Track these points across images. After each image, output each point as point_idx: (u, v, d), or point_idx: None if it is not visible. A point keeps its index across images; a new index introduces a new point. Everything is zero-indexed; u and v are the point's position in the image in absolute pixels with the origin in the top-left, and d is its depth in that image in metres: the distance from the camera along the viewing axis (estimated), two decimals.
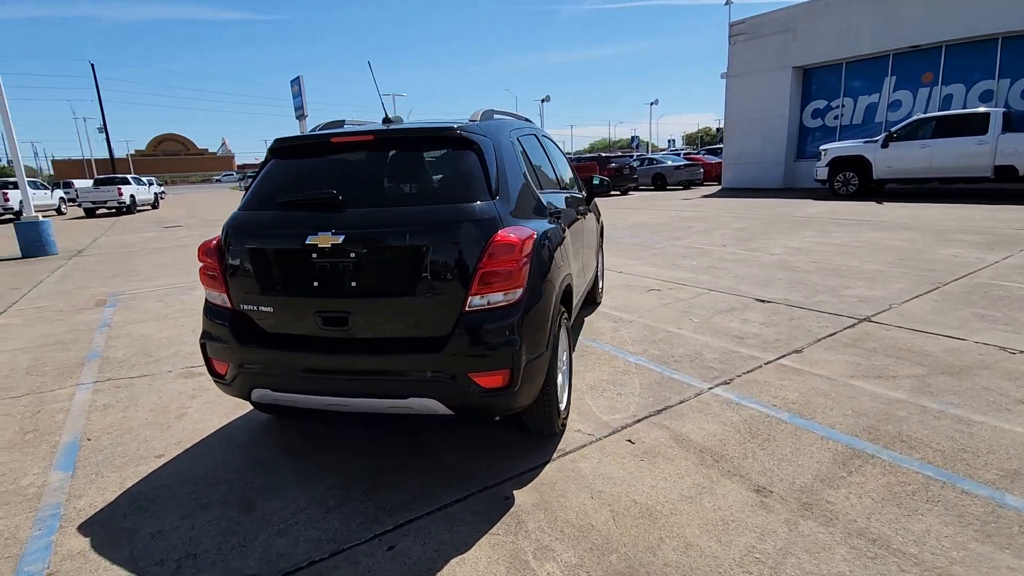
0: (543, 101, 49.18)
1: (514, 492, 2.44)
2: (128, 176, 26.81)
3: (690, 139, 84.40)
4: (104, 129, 49.41)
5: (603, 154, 28.07)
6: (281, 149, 2.74)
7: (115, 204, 24.37)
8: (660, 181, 23.21)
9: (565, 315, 2.92)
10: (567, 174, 4.24)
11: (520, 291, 2.36)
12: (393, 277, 2.36)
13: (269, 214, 2.53)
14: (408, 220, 2.35)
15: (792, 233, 8.99)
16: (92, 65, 40.53)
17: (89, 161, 59.16)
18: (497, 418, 2.54)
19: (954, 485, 2.32)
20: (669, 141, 72.86)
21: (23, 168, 12.12)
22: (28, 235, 11.57)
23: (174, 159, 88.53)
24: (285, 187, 2.59)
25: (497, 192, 2.50)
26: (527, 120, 3.91)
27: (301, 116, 16.24)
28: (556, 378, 2.74)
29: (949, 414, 2.90)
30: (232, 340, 2.49)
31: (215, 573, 2.03)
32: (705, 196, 18.04)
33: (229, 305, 2.55)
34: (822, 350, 3.90)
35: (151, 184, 28.70)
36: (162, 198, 33.27)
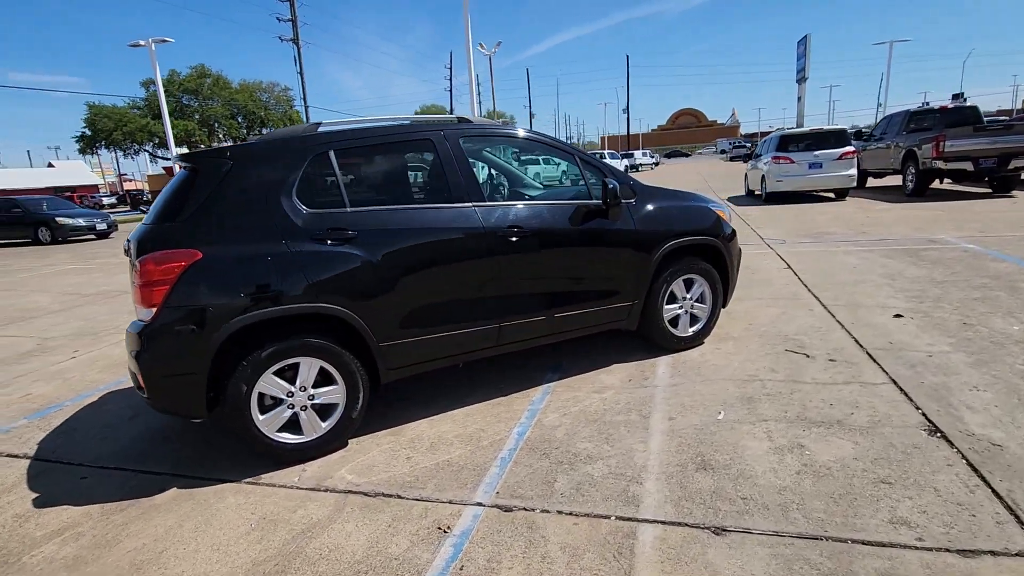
0: None
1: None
2: (605, 152, 32.08)
3: None
4: (626, 110, 58.89)
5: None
6: None
7: None
8: None
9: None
10: (467, 185, 3.25)
11: (153, 311, 2.58)
12: None
13: None
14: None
15: None
16: (627, 57, 49.10)
17: (614, 137, 72.51)
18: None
19: None
20: None
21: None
22: None
23: (687, 131, 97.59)
24: None
25: (191, 215, 2.69)
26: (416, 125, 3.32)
27: (802, 79, 15.53)
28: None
29: None
30: None
31: None
32: None
33: None
34: None
35: (623, 159, 33.32)
36: (650, 168, 39.74)
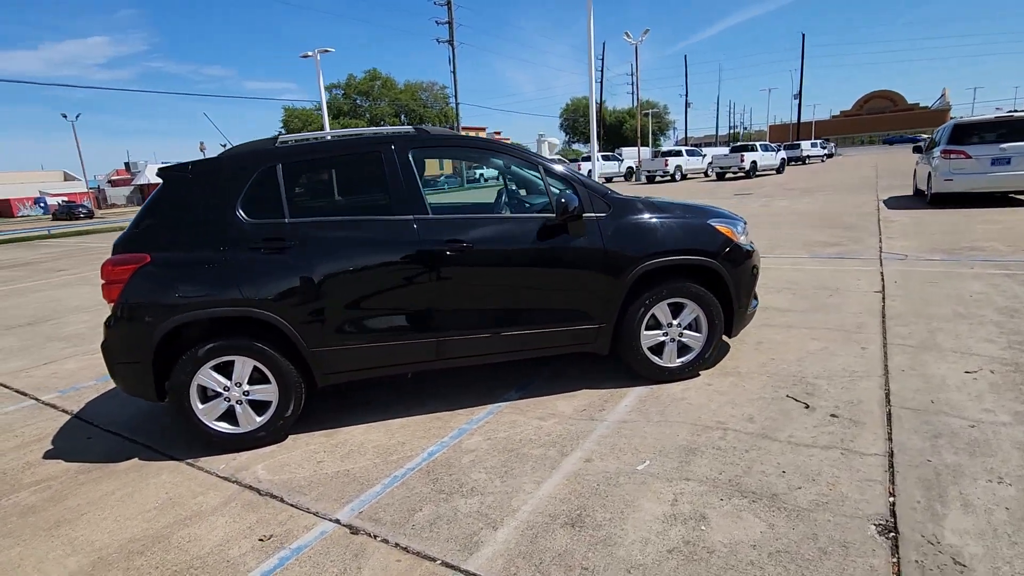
0: None
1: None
2: (757, 144, 29.18)
3: None
4: (798, 96, 53.70)
5: None
6: None
7: (738, 168, 27.50)
8: None
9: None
10: (406, 197, 3.23)
11: (111, 306, 2.99)
12: None
13: None
14: None
15: None
16: (803, 36, 44.70)
17: (783, 125, 65.36)
18: None
19: None
20: None
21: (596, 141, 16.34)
22: None
23: (878, 117, 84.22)
24: None
25: (150, 223, 3.07)
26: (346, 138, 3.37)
27: None
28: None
29: None
30: None
31: None
32: None
33: None
34: None
35: (779, 151, 30.04)
36: (821, 160, 36.05)
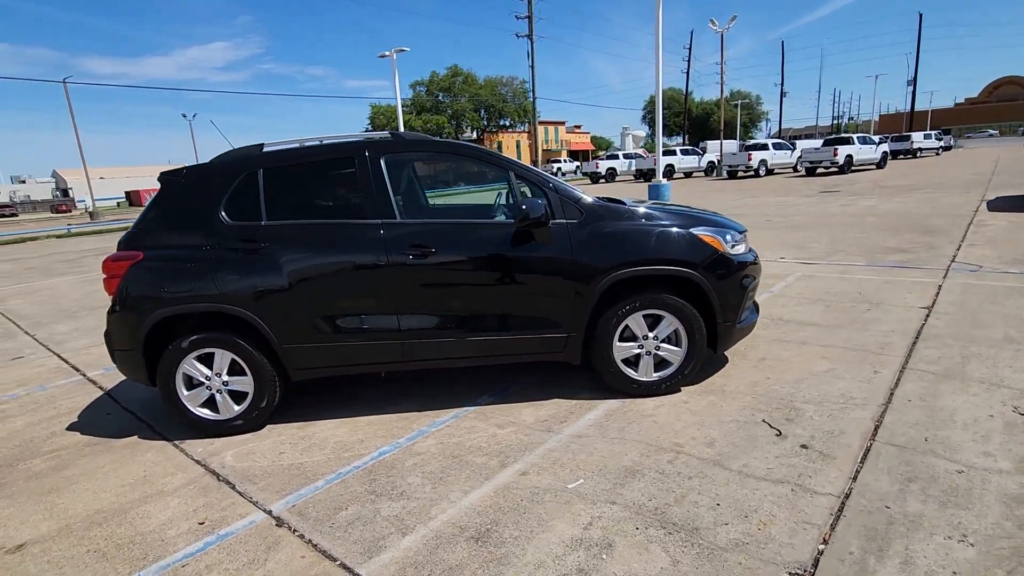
0: None
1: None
2: (854, 136, 26.80)
3: None
4: (912, 82, 49.13)
5: None
6: None
7: (830, 163, 25.40)
8: None
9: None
10: (379, 204, 3.31)
11: (112, 297, 3.31)
12: None
13: None
14: None
15: None
16: (920, 15, 40.87)
17: (895, 115, 59.44)
18: None
19: None
20: None
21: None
22: (654, 194, 15.36)
23: (1010, 105, 74.18)
24: None
25: (147, 223, 3.36)
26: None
27: None
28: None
29: None
30: None
31: None
32: None
33: None
34: None
35: (881, 143, 27.43)
36: (936, 153, 32.59)
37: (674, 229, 3.36)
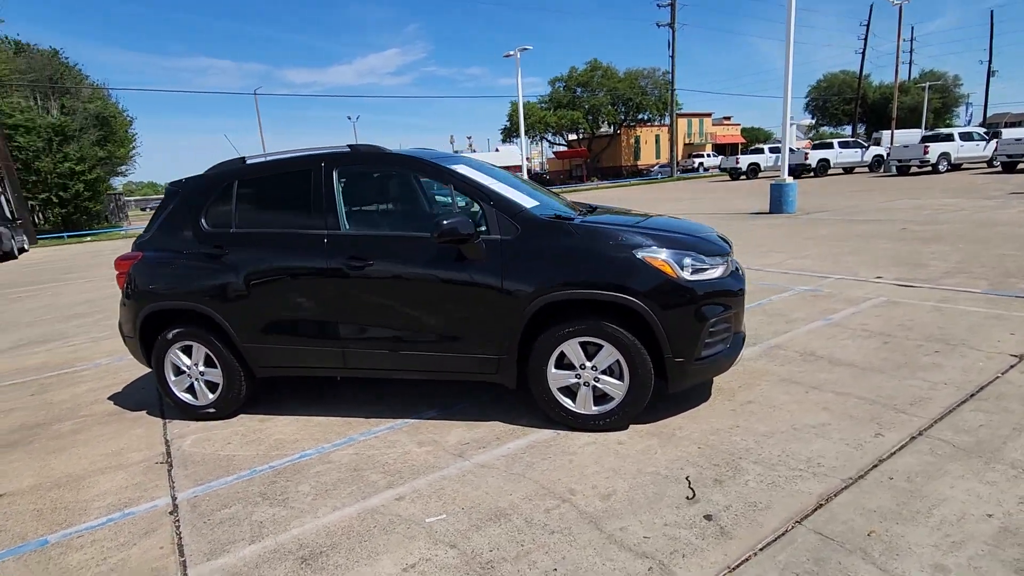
0: None
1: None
2: (955, 131, 21.58)
3: None
4: None
5: None
6: None
7: (919, 163, 20.96)
8: None
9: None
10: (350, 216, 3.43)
11: (122, 293, 3.84)
12: None
13: None
14: None
15: None
16: None
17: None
18: None
19: None
20: None
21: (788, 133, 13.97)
22: (776, 194, 13.85)
23: None
24: None
25: (150, 228, 3.84)
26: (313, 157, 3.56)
27: None
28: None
29: None
30: None
31: None
32: None
33: None
34: None
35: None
36: None
37: (618, 251, 3.00)
